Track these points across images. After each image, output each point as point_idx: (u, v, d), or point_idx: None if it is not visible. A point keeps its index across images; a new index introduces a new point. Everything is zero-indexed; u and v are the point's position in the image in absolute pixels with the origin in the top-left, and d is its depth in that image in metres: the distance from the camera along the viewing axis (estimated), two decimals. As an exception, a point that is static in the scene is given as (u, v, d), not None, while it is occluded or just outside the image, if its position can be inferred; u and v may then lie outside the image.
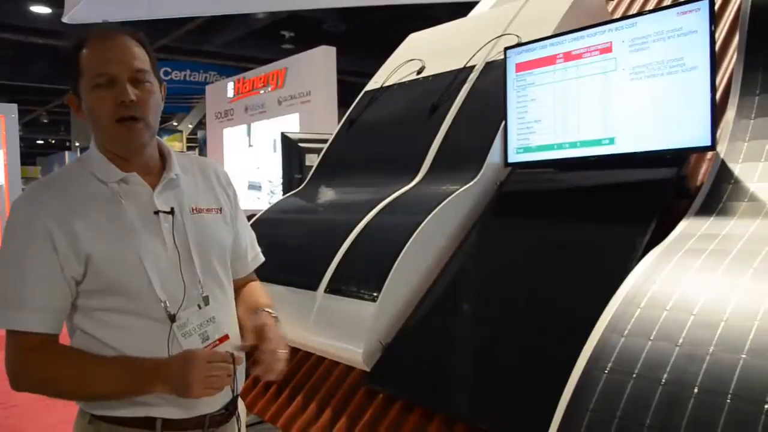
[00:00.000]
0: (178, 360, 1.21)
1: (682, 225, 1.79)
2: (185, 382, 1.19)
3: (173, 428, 1.27)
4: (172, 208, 1.33)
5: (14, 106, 14.24)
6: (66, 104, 1.33)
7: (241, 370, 1.41)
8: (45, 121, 24.02)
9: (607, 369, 1.37)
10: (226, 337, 1.36)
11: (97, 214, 1.25)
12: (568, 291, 1.87)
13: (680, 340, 1.33)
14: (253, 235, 1.64)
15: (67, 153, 21.61)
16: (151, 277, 1.26)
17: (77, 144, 20.10)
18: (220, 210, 1.44)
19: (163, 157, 1.39)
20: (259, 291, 1.60)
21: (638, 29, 2.16)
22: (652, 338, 1.37)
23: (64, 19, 8.58)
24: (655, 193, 2.01)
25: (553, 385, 1.50)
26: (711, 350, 1.27)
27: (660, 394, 1.26)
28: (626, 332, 1.42)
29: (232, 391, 1.29)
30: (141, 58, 1.28)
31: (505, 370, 1.79)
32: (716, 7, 2.56)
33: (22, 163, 15.77)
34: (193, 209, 1.37)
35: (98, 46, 1.26)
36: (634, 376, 1.32)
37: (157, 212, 1.31)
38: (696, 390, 1.23)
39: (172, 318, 1.27)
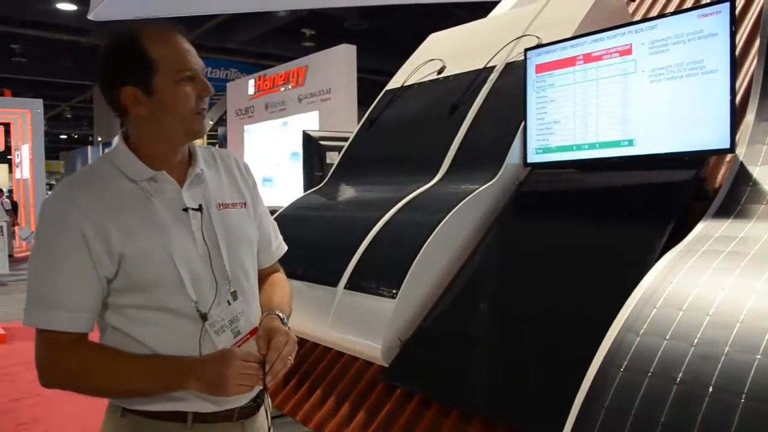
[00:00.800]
0: (215, 358, 1.22)
1: (700, 227, 1.81)
2: (221, 381, 1.19)
3: (203, 421, 1.29)
4: (201, 205, 1.33)
5: (40, 102, 14.50)
6: (116, 99, 1.28)
7: None
8: (68, 116, 24.43)
9: (623, 367, 1.39)
10: (255, 330, 1.36)
11: (129, 213, 1.25)
12: (586, 291, 1.90)
13: (695, 340, 1.35)
14: (275, 224, 1.63)
15: (89, 148, 21.91)
16: (183, 274, 1.26)
17: (99, 139, 20.40)
18: (245, 204, 1.44)
19: (189, 152, 1.38)
20: (275, 287, 1.55)
21: (658, 31, 2.17)
22: (667, 337, 1.40)
23: (90, 16, 8.71)
24: (673, 195, 2.03)
25: (569, 383, 1.53)
26: (726, 350, 1.29)
27: (675, 392, 1.29)
28: (642, 331, 1.44)
29: (264, 386, 1.28)
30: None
31: (521, 367, 1.82)
32: (737, 10, 2.56)
33: (46, 158, 16.06)
34: (219, 205, 1.37)
35: (172, 41, 1.27)
36: (650, 374, 1.35)
37: (186, 209, 1.31)
38: (711, 389, 1.25)
39: (204, 316, 1.28)
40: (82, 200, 1.22)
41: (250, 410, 1.37)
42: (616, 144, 2.27)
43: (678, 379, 1.30)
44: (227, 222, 1.36)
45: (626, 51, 2.26)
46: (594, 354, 1.52)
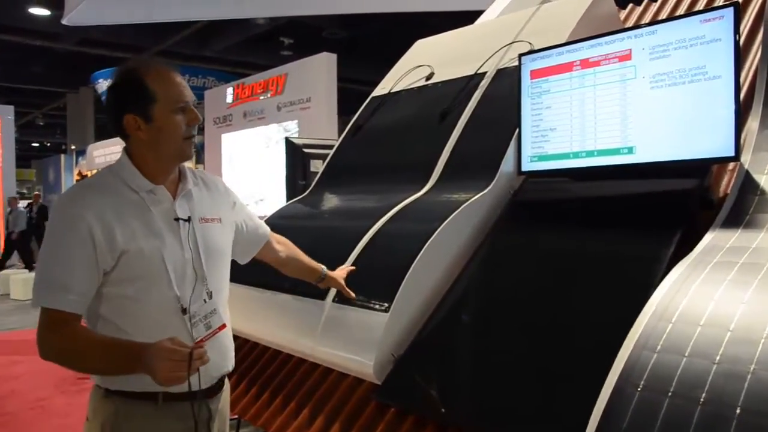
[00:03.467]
0: (150, 350, 1.35)
1: (709, 237, 1.74)
2: (152, 370, 1.34)
3: (171, 399, 1.51)
4: (189, 217, 1.58)
5: (11, 108, 14.16)
6: (122, 126, 1.52)
7: (230, 347, 1.69)
8: (41, 123, 23.94)
9: (640, 386, 1.31)
10: (223, 326, 1.60)
11: (132, 218, 1.48)
12: (590, 304, 1.81)
13: (717, 357, 1.28)
14: (257, 217, 1.98)
15: (62, 156, 21.46)
16: (170, 272, 1.49)
17: (73, 147, 19.99)
18: (220, 220, 1.69)
19: (179, 171, 1.63)
20: (296, 248, 2.10)
21: (659, 37, 2.11)
22: (686, 355, 1.31)
23: (64, 21, 8.52)
24: (678, 204, 1.96)
25: (579, 402, 1.44)
26: (752, 368, 1.21)
27: (699, 414, 1.20)
28: (658, 348, 1.36)
29: (187, 376, 1.38)
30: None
31: (525, 386, 1.73)
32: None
33: (17, 166, 15.66)
34: (201, 218, 1.61)
35: (169, 76, 1.51)
36: (670, 394, 1.26)
37: (177, 219, 1.55)
38: (738, 411, 1.17)
39: (184, 310, 1.51)
40: (94, 203, 1.45)
41: (213, 391, 1.63)
42: (616, 152, 2.21)
43: (701, 400, 1.22)
44: (206, 234, 1.61)
45: (625, 56, 2.20)
46: (604, 371, 1.43)
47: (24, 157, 27.04)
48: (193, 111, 1.54)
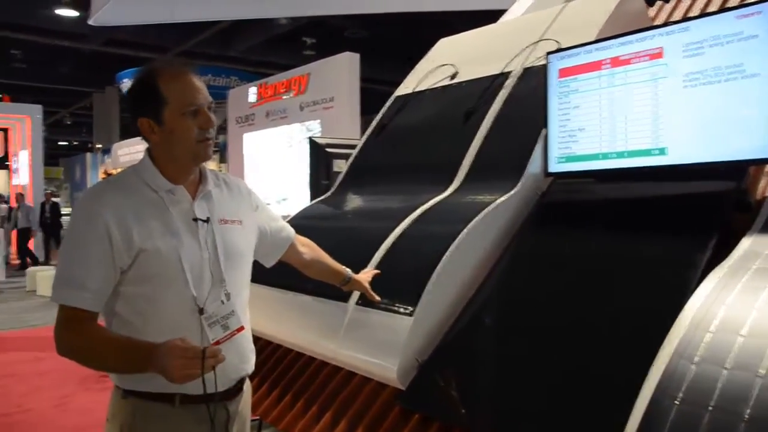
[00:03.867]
0: (162, 349, 1.35)
1: (747, 242, 1.67)
2: (165, 369, 1.34)
3: (188, 402, 1.49)
4: (208, 217, 1.57)
5: (39, 107, 14.37)
6: (139, 128, 1.53)
7: (249, 349, 1.66)
8: (68, 122, 24.31)
9: (678, 399, 1.25)
10: (241, 328, 1.58)
11: (150, 217, 1.48)
12: (622, 311, 1.76)
13: (761, 370, 1.22)
14: (281, 218, 1.97)
15: (88, 155, 21.76)
16: (186, 272, 1.48)
17: (99, 146, 20.25)
18: (241, 222, 1.67)
19: (200, 172, 1.62)
20: (323, 252, 2.07)
21: (692, 34, 2.04)
22: (727, 366, 1.26)
23: (90, 22, 8.62)
24: (713, 208, 1.90)
25: (612, 415, 1.39)
26: (798, 383, 1.15)
27: (743, 430, 1.14)
28: (696, 359, 1.31)
29: (202, 375, 1.37)
30: (207, 91, 1.55)
31: (554, 396, 1.68)
32: None
33: (46, 164, 15.89)
34: (220, 220, 1.60)
35: (181, 79, 1.50)
36: (710, 408, 1.21)
37: (195, 219, 1.54)
38: (783, 427, 1.11)
39: (201, 310, 1.49)
40: (112, 201, 1.46)
41: (231, 393, 1.61)
42: (647, 153, 2.14)
43: (746, 416, 1.16)
44: (225, 235, 1.60)
45: (657, 54, 2.13)
46: (639, 381, 1.38)
47: (52, 156, 27.48)
48: (205, 114, 1.52)
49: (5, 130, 15.17)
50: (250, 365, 1.68)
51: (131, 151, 15.71)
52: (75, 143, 29.05)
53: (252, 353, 1.69)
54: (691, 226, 1.88)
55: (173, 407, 1.49)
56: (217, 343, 1.51)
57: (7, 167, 16.39)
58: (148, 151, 1.57)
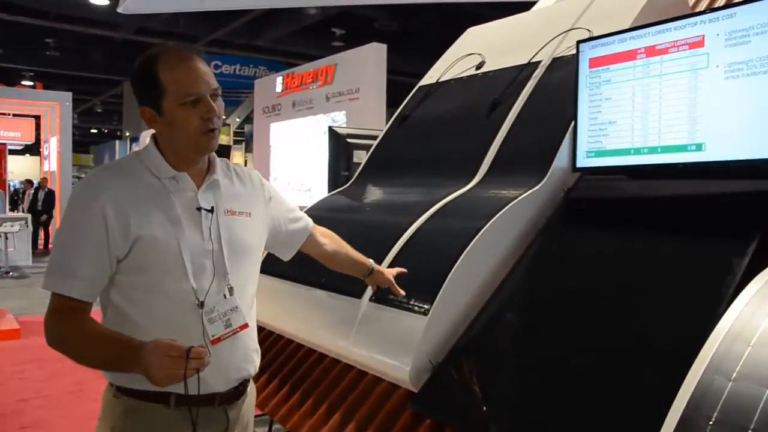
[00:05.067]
0: (147, 346, 1.28)
1: (792, 247, 1.53)
2: (148, 368, 1.27)
3: (184, 403, 1.39)
4: (212, 207, 1.48)
5: (69, 95, 14.54)
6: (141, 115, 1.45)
7: (253, 348, 1.56)
8: (99, 110, 24.63)
9: (713, 420, 1.14)
10: (245, 326, 1.50)
11: (149, 204, 1.41)
12: (652, 317, 1.63)
13: (806, 391, 1.09)
14: (298, 209, 1.87)
15: (117, 142, 22.04)
16: (186, 263, 1.40)
17: (128, 134, 20.49)
18: (250, 214, 1.58)
19: (208, 161, 1.54)
20: (345, 243, 1.96)
21: (737, 21, 1.90)
22: (768, 385, 1.13)
23: (119, 10, 8.63)
24: (755, 209, 1.75)
25: (638, 429, 1.28)
26: None
27: (784, 457, 1.03)
28: (734, 375, 1.18)
29: (184, 377, 1.29)
30: (213, 76, 1.45)
31: (576, 406, 1.56)
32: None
33: (76, 151, 16.14)
34: (227, 211, 1.52)
35: (180, 66, 1.40)
36: (750, 431, 1.08)
37: (199, 209, 1.47)
38: (832, 456, 0.99)
39: (201, 304, 1.42)
40: (110, 187, 1.38)
41: (232, 396, 1.50)
42: (683, 149, 2.00)
43: (788, 441, 1.04)
44: (231, 227, 1.52)
45: (697, 43, 1.99)
46: (669, 396, 1.26)
47: (83, 143, 27.94)
48: (207, 103, 1.42)
49: (37, 117, 15.41)
50: (254, 366, 1.58)
51: (159, 139, 15.81)
52: (105, 131, 29.43)
53: (257, 354, 1.60)
54: (730, 229, 1.74)
55: (168, 408, 1.41)
56: (218, 340, 1.43)
57: (39, 153, 16.68)
58: (154, 136, 1.51)
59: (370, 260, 1.95)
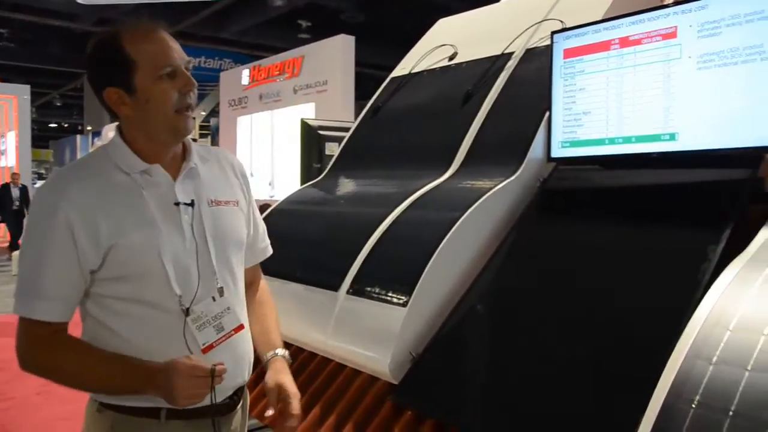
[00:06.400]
0: (163, 371, 1.20)
1: (765, 233, 1.57)
2: (169, 393, 1.20)
3: (177, 417, 1.29)
4: (193, 200, 1.33)
5: (27, 88, 14.13)
6: (105, 98, 1.29)
7: (247, 351, 1.42)
8: (58, 104, 24.00)
9: (695, 402, 1.15)
10: (241, 327, 1.38)
11: (119, 206, 1.26)
12: (629, 305, 1.65)
13: (787, 373, 1.11)
14: (264, 227, 1.61)
15: (78, 137, 21.51)
16: (168, 269, 1.26)
17: (89, 128, 20.00)
18: (237, 203, 1.44)
19: (183, 146, 1.39)
20: (266, 310, 1.58)
21: (709, 12, 1.93)
22: (749, 368, 1.15)
23: (79, 0, 8.41)
24: (728, 197, 1.79)
25: (620, 417, 1.29)
26: (831, 388, 1.05)
27: (766, 438, 1.04)
28: (715, 359, 1.20)
29: (212, 398, 1.25)
30: (182, 50, 1.32)
31: (556, 394, 1.57)
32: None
33: (35, 146, 15.67)
34: (211, 201, 1.37)
35: (150, 38, 1.27)
36: (731, 414, 1.10)
37: (177, 203, 1.31)
38: (813, 436, 1.01)
39: (187, 312, 1.28)
40: (74, 192, 1.24)
41: (225, 408, 1.37)
42: (656, 138, 2.03)
43: (770, 422, 1.06)
44: (218, 219, 1.37)
45: (670, 34, 2.01)
46: (648, 380, 1.28)
47: (42, 138, 27.17)
48: (185, 75, 1.28)
49: (-8, 111, 14.94)
50: (247, 372, 1.42)
51: (122, 133, 15.47)
52: (65, 125, 28.71)
53: (249, 357, 1.42)
54: (704, 217, 1.77)
55: (159, 422, 1.29)
56: (210, 347, 1.31)
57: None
58: (119, 128, 1.34)
59: (279, 350, 1.48)
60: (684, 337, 1.29)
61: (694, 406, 1.15)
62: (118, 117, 1.31)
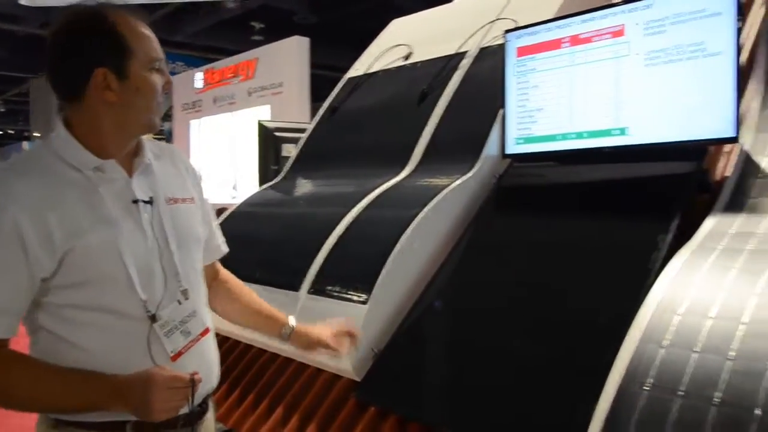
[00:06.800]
0: (139, 383, 1.12)
1: (710, 222, 1.63)
2: (145, 406, 1.11)
3: (143, 430, 1.19)
4: (151, 198, 1.26)
5: (-32, 93, 13.61)
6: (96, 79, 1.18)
7: (215, 362, 1.36)
8: (2, 110, 23.17)
9: (648, 385, 1.19)
10: (206, 331, 1.32)
11: (74, 206, 1.15)
12: (585, 295, 1.70)
13: (732, 353, 1.16)
14: (217, 223, 1.57)
15: (25, 143, 20.84)
16: (131, 272, 1.18)
17: (36, 134, 19.38)
18: (193, 200, 1.38)
19: (136, 143, 1.31)
20: (252, 293, 1.61)
21: (654, 11, 2.00)
22: (697, 350, 1.20)
23: (21, 1, 8.15)
24: (675, 188, 1.85)
25: (578, 403, 1.33)
26: (772, 366, 1.10)
27: (714, 416, 1.09)
28: (665, 342, 1.25)
29: (190, 409, 1.20)
30: None
31: (516, 385, 1.60)
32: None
33: (-23, 153, 15.12)
34: (168, 198, 1.30)
35: (141, 28, 1.22)
36: (680, 394, 1.15)
37: (135, 201, 1.23)
38: (758, 412, 1.06)
39: (153, 318, 1.20)
40: (21, 192, 1.12)
41: (195, 416, 1.28)
42: (607, 133, 2.09)
43: (717, 400, 1.11)
44: (177, 217, 1.30)
45: (618, 32, 2.08)
46: (604, 367, 1.32)
47: (-15, 145, 26.18)
48: (166, 73, 1.25)
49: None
50: (216, 376, 1.36)
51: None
52: (10, 132, 27.73)
53: (216, 361, 1.37)
54: (653, 208, 1.83)
55: None
56: (179, 354, 1.23)
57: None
58: (64, 121, 1.23)
59: (291, 317, 1.58)
60: (636, 322, 1.33)
61: (647, 388, 1.19)
62: (75, 102, 1.20)
